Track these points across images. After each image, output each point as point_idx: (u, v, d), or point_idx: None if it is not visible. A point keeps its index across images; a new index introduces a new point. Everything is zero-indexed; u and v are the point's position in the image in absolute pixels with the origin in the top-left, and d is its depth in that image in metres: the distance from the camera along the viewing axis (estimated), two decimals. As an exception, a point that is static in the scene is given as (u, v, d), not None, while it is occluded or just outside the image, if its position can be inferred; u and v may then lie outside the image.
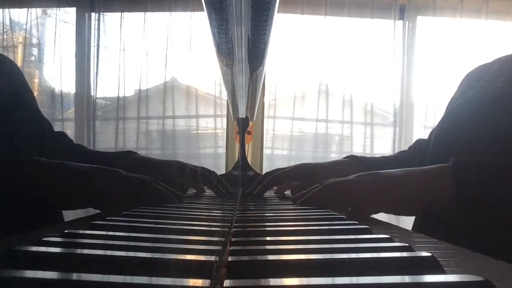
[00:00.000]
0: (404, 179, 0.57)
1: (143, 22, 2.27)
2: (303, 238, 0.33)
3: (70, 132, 2.28)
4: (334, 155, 2.33)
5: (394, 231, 0.42)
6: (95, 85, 2.28)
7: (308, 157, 2.27)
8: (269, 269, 0.23)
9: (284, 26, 2.26)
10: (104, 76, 2.30)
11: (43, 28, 2.26)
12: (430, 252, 0.25)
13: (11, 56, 2.16)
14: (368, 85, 2.32)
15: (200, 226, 0.37)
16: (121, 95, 2.29)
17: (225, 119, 2.28)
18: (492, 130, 0.59)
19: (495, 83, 0.64)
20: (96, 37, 2.28)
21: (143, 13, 2.27)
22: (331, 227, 0.39)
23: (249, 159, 1.25)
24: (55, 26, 2.25)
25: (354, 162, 0.82)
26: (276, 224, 0.41)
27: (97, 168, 0.57)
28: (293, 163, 1.11)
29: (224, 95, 2.22)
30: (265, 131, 2.29)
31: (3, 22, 2.17)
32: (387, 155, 0.94)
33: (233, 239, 0.31)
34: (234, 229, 0.36)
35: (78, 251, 0.26)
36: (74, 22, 2.32)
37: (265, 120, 2.29)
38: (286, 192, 0.85)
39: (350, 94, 2.32)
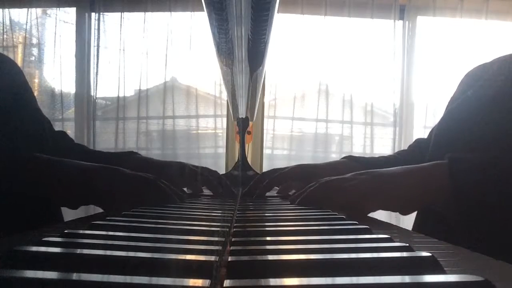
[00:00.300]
0: (400, 177, 0.57)
1: (143, 22, 2.27)
2: (303, 238, 0.33)
3: (70, 132, 2.28)
4: (334, 155, 2.33)
5: (394, 231, 0.42)
6: (95, 85, 2.28)
7: (308, 157, 2.27)
8: (269, 269, 0.23)
9: (284, 26, 2.26)
10: (104, 76, 2.30)
11: (43, 28, 2.26)
12: (430, 252, 0.25)
13: (11, 56, 2.16)
14: (368, 85, 2.32)
15: (200, 226, 0.37)
16: (121, 95, 2.29)
17: (225, 119, 2.28)
18: (492, 129, 0.59)
19: (495, 83, 0.64)
20: (96, 37, 2.28)
21: (143, 13, 2.27)
22: (331, 227, 0.39)
23: (249, 159, 1.25)
24: (55, 26, 2.25)
25: (352, 163, 0.82)
26: (276, 224, 0.41)
27: (100, 166, 0.57)
28: (293, 163, 1.11)
29: (224, 95, 2.22)
30: (265, 131, 2.29)
31: (3, 22, 2.17)
32: (386, 155, 0.94)
33: (233, 239, 0.31)
34: (234, 229, 0.36)
35: (78, 251, 0.25)
36: (74, 22, 2.32)
37: (265, 120, 2.29)
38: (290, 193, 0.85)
39: (350, 94, 2.32)
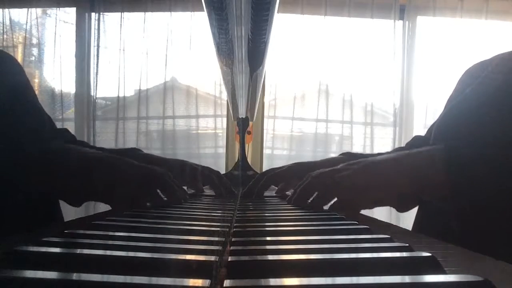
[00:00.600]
0: (392, 164, 0.56)
1: (143, 22, 2.27)
2: (303, 238, 0.33)
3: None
4: (334, 155, 2.32)
5: (394, 231, 0.42)
6: (95, 85, 2.28)
7: (308, 157, 2.27)
8: (269, 269, 0.23)
9: (284, 26, 2.26)
10: (104, 76, 2.30)
11: (43, 28, 2.26)
12: (430, 252, 0.25)
13: (11, 56, 2.16)
14: (368, 85, 2.32)
15: (200, 226, 0.37)
16: (121, 95, 2.29)
17: (225, 119, 2.28)
18: (491, 128, 0.59)
19: (494, 81, 0.63)
20: (96, 37, 2.28)
21: (143, 13, 2.27)
22: (331, 227, 0.39)
23: (249, 159, 1.25)
24: (55, 26, 2.25)
25: (350, 159, 0.81)
26: (276, 224, 0.41)
27: (112, 156, 0.57)
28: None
29: (224, 95, 2.22)
30: (265, 131, 2.29)
31: (3, 22, 2.17)
32: (384, 152, 0.94)
33: (233, 239, 0.31)
34: (234, 229, 0.36)
35: (78, 251, 0.26)
36: (74, 22, 2.31)
37: (265, 120, 2.29)
38: (287, 192, 0.85)
39: (350, 94, 2.32)
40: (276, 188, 0.87)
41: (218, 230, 0.35)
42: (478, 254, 0.30)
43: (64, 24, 2.29)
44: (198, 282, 0.20)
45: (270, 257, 0.25)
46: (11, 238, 0.32)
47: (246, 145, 1.23)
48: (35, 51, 2.29)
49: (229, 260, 0.24)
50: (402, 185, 0.55)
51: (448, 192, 0.51)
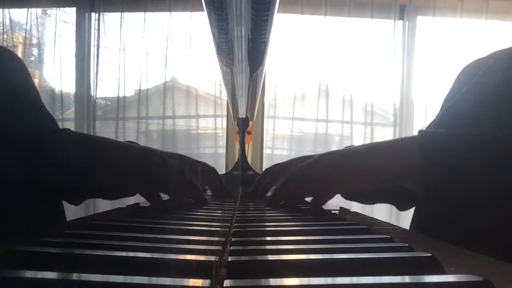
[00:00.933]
0: (366, 153, 0.56)
1: (143, 22, 2.27)
2: (302, 238, 0.33)
3: (70, 132, 2.28)
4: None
5: (394, 231, 0.42)
6: (95, 85, 2.28)
7: (308, 157, 2.27)
8: (269, 269, 0.23)
9: (284, 26, 2.26)
10: (104, 76, 2.30)
11: (43, 28, 2.26)
12: (430, 252, 0.25)
13: (11, 56, 2.16)
14: (368, 85, 2.32)
15: (200, 226, 0.37)
16: (121, 95, 2.29)
17: (225, 119, 2.28)
18: (490, 127, 0.58)
19: (492, 79, 0.63)
20: (96, 37, 2.28)
21: (143, 13, 2.27)
22: (330, 227, 0.39)
23: (249, 159, 1.25)
24: (55, 26, 2.25)
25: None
26: (276, 224, 0.41)
27: (140, 147, 0.57)
28: (293, 163, 1.10)
29: (224, 95, 2.22)
30: (265, 131, 2.29)
31: (3, 22, 2.17)
32: None
33: (233, 239, 0.31)
34: (234, 229, 0.36)
35: (78, 251, 0.26)
36: (74, 22, 2.31)
37: (265, 120, 2.29)
38: None
39: (350, 94, 2.32)
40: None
41: (218, 230, 0.35)
42: (478, 254, 0.30)
43: (64, 24, 2.29)
44: (198, 282, 0.20)
45: (270, 257, 0.25)
46: (11, 238, 0.32)
47: (246, 145, 1.23)
48: (35, 51, 2.29)
49: (229, 260, 0.24)
50: (373, 169, 0.53)
51: (422, 176, 0.50)
